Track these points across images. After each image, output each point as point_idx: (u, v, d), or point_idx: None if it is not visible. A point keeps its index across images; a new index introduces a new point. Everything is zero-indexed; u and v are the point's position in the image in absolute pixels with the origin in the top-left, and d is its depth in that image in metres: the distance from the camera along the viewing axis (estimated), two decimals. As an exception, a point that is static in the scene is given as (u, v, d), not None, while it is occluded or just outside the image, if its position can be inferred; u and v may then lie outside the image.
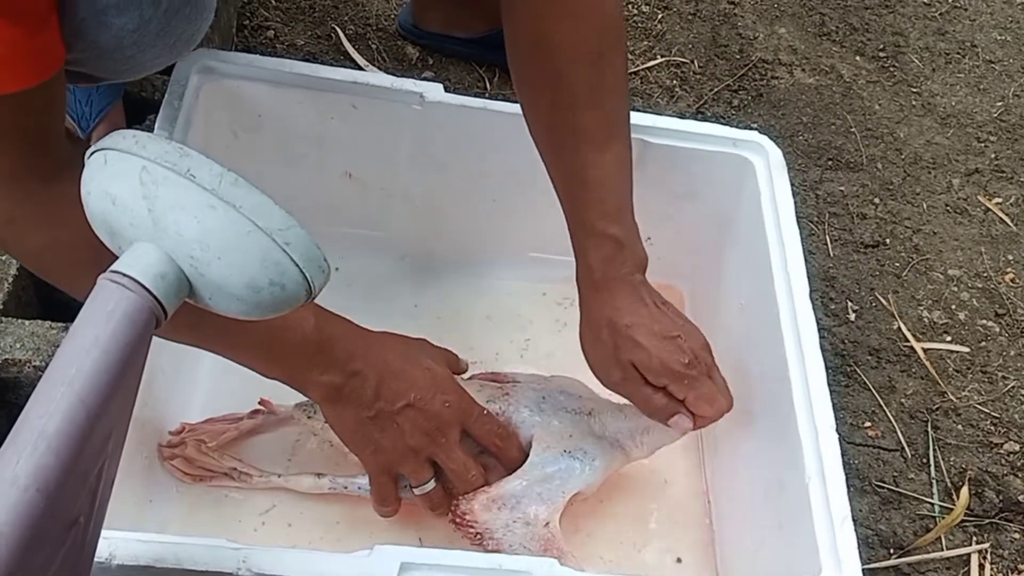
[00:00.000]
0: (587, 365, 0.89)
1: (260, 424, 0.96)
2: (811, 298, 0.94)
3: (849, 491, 0.82)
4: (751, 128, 1.37)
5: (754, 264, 0.99)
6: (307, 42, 1.36)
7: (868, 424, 1.15)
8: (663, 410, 0.87)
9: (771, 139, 1.05)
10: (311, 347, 0.79)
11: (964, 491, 1.09)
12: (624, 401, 0.91)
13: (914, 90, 1.51)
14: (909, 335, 1.23)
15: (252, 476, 0.92)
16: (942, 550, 1.06)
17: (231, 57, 0.98)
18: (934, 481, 1.11)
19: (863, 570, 0.77)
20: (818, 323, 0.93)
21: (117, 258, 0.52)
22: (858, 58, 1.54)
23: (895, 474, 1.11)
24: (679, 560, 0.98)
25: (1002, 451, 1.15)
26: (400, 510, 0.89)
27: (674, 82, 1.45)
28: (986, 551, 1.07)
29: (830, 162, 1.40)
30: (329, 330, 0.80)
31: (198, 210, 0.50)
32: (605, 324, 0.86)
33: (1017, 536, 1.09)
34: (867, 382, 1.18)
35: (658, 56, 1.47)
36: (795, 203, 1.01)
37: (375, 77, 1.01)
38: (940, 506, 1.09)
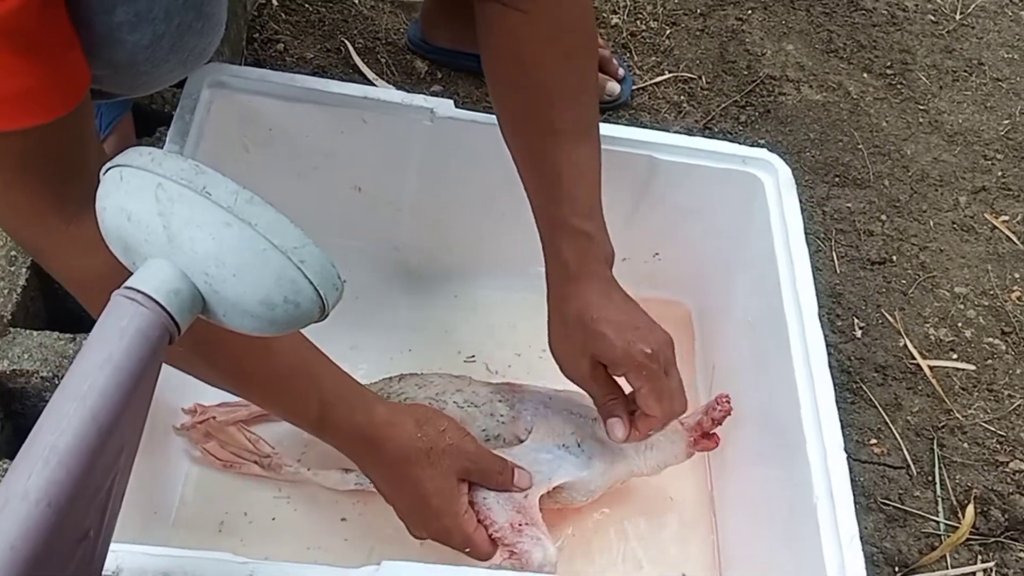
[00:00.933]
0: (555, 361, 0.90)
1: None
2: (818, 315, 0.94)
3: (855, 509, 0.82)
4: (759, 144, 1.37)
5: (762, 282, 0.99)
6: (316, 55, 1.36)
7: (874, 441, 1.15)
8: (609, 408, 0.88)
9: (778, 155, 1.05)
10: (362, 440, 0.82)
11: (970, 509, 1.09)
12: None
13: (921, 107, 1.51)
14: (915, 352, 1.23)
15: (283, 466, 0.93)
16: (947, 569, 1.06)
17: (242, 71, 0.99)
18: (940, 499, 1.11)
19: (870, 590, 0.77)
20: (824, 340, 0.93)
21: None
22: (865, 75, 1.54)
23: (901, 492, 1.11)
24: (685, 577, 0.98)
25: (1008, 469, 1.15)
26: None
27: (682, 98, 1.45)
28: (991, 570, 1.07)
29: (837, 179, 1.40)
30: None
31: (214, 227, 0.50)
32: (574, 319, 0.86)
33: (1023, 555, 1.09)
34: (873, 399, 1.18)
35: (666, 72, 1.47)
36: (802, 219, 1.01)
37: (386, 92, 1.01)
38: (946, 524, 1.09)
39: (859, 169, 1.41)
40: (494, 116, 1.03)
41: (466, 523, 0.84)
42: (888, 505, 1.10)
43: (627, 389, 0.87)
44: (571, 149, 0.86)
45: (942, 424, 1.17)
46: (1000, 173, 1.45)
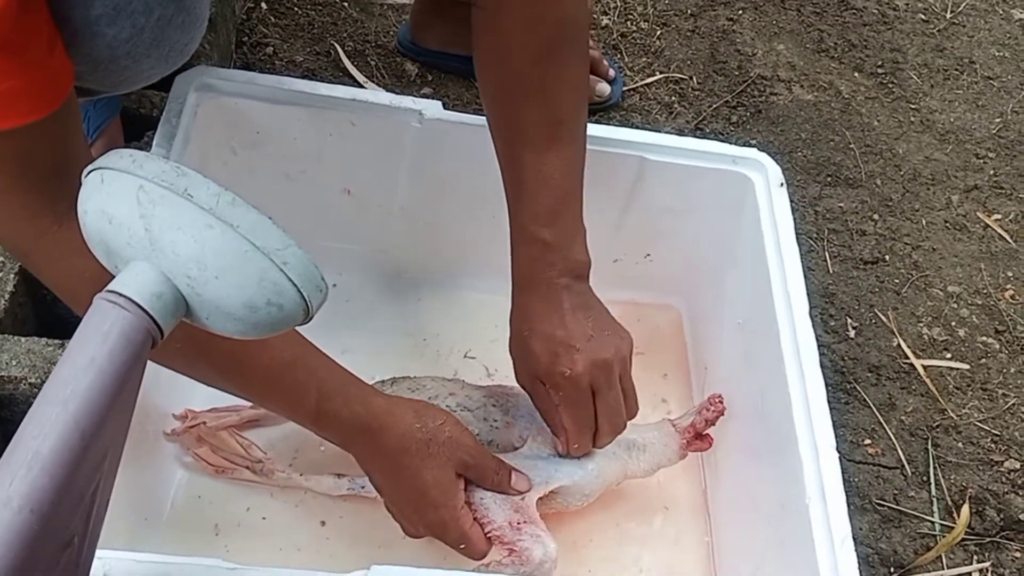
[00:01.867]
0: None
1: (263, 416, 0.96)
2: (811, 315, 0.94)
3: (849, 509, 0.81)
4: (750, 144, 1.37)
5: (753, 282, 0.98)
6: (306, 59, 1.36)
7: (868, 442, 1.14)
8: (548, 422, 0.89)
9: (770, 155, 1.05)
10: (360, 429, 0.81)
11: (965, 509, 1.09)
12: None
13: (913, 106, 1.51)
14: (909, 352, 1.22)
15: (275, 472, 0.93)
16: (943, 569, 1.06)
17: (230, 74, 0.98)
18: (935, 499, 1.11)
19: (864, 590, 0.77)
20: (817, 340, 0.92)
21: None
22: (857, 74, 1.54)
23: (895, 492, 1.11)
24: (679, 579, 0.98)
25: (1003, 469, 1.14)
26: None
27: (673, 98, 1.45)
28: (987, 570, 1.07)
29: (829, 178, 1.40)
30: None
31: (195, 230, 0.49)
32: (515, 331, 0.86)
33: (1018, 555, 1.09)
34: (867, 399, 1.17)
35: (657, 72, 1.47)
36: (794, 219, 1.01)
37: (374, 95, 1.01)
38: (941, 524, 1.09)
39: (851, 168, 1.41)
40: (482, 117, 1.03)
41: (463, 518, 0.83)
42: (883, 505, 1.09)
43: None
44: (539, 153, 0.84)
45: (936, 424, 1.17)
46: (992, 172, 1.45)
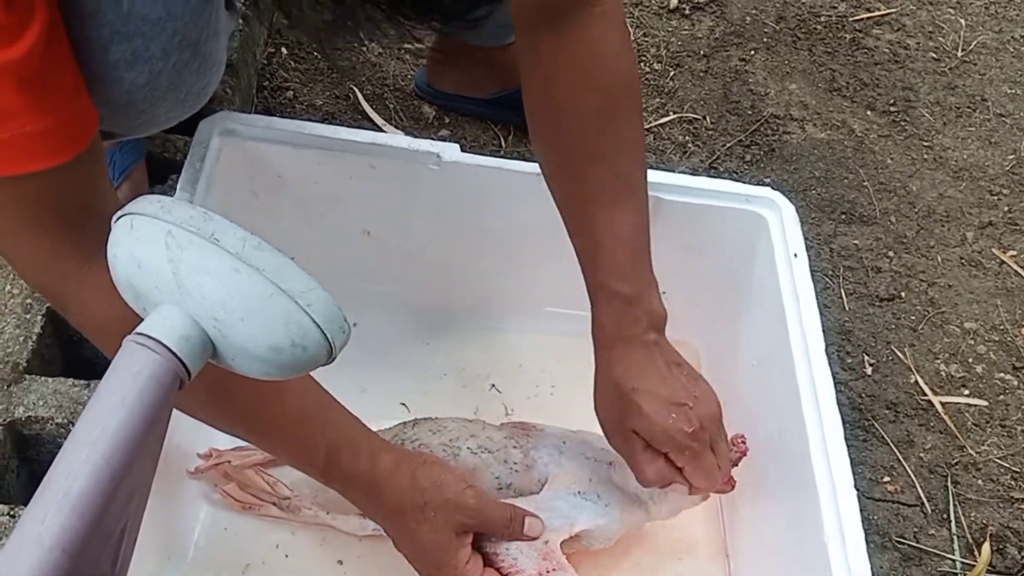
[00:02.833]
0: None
1: None
2: (827, 352, 0.94)
3: (869, 547, 0.81)
4: (764, 183, 1.38)
5: (769, 319, 0.99)
6: (326, 102, 1.39)
7: (887, 479, 1.14)
8: (655, 480, 0.86)
9: (784, 193, 1.06)
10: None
11: (986, 547, 1.08)
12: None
13: (926, 144, 1.52)
14: (927, 389, 1.22)
15: (301, 509, 0.93)
16: (965, 607, 1.05)
17: (251, 119, 1.00)
18: (955, 537, 1.10)
19: (884, 629, 0.77)
20: (835, 377, 0.93)
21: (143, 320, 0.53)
22: (869, 113, 1.55)
23: (915, 530, 1.10)
24: (698, 618, 0.97)
25: (1023, 506, 1.14)
26: None
27: (687, 138, 1.47)
28: (1010, 608, 1.06)
29: (844, 216, 1.40)
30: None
31: (222, 273, 0.51)
32: (612, 386, 0.85)
33: (1041, 593, 1.08)
34: (885, 436, 1.17)
35: (670, 113, 1.49)
36: (809, 257, 1.02)
37: (393, 138, 1.03)
38: (962, 563, 1.08)
39: (865, 206, 1.42)
40: (500, 160, 1.05)
41: (468, 574, 0.83)
42: (903, 543, 1.09)
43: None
44: (609, 211, 0.84)
45: (955, 461, 1.17)
46: (1007, 208, 1.45)
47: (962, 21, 1.72)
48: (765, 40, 1.62)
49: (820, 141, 1.49)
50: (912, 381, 1.23)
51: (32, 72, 0.59)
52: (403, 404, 1.06)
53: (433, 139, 1.04)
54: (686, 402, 0.83)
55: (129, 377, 0.51)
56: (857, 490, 0.85)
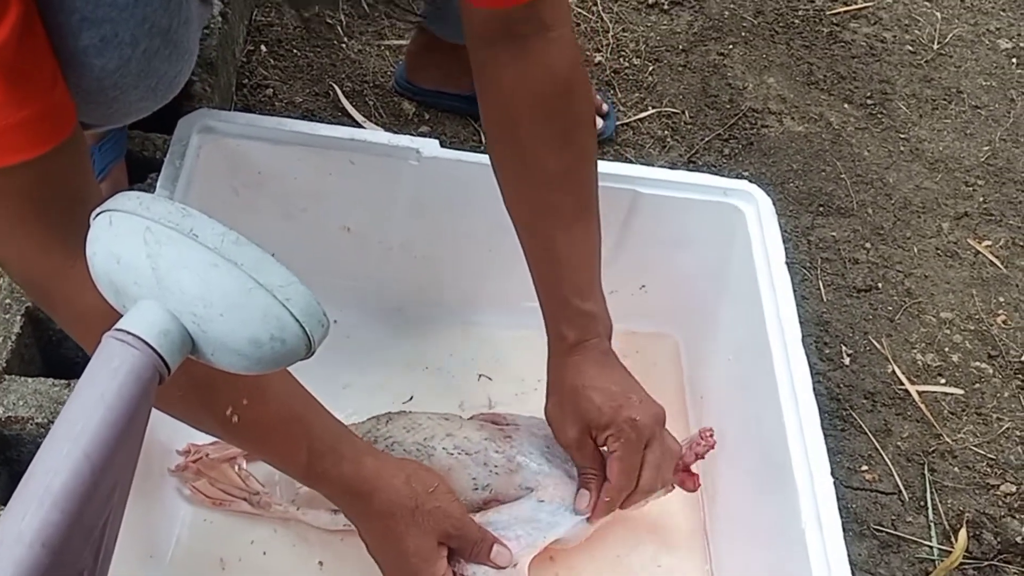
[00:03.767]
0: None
1: None
2: (805, 343, 0.95)
3: (848, 535, 0.83)
4: (742, 176, 1.39)
5: (747, 311, 1.00)
6: (305, 99, 1.39)
7: (865, 468, 1.15)
8: (585, 480, 0.90)
9: (762, 186, 1.07)
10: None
11: (962, 533, 1.10)
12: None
13: (902, 136, 1.54)
14: (903, 378, 1.24)
15: (272, 504, 0.93)
16: (943, 593, 1.06)
17: (231, 116, 1.00)
18: (932, 524, 1.12)
19: (862, 614, 0.78)
20: (813, 367, 0.94)
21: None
22: (846, 106, 1.56)
23: (893, 517, 1.12)
24: (680, 607, 0.98)
25: (999, 492, 1.15)
26: None
27: (666, 132, 1.47)
28: (987, 594, 1.08)
29: (821, 208, 1.42)
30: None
31: (201, 268, 0.51)
32: (568, 386, 0.89)
33: (1017, 578, 1.09)
34: (863, 426, 1.19)
35: (649, 107, 1.50)
36: (787, 249, 1.03)
37: (372, 134, 1.03)
38: (939, 549, 1.10)
39: (842, 198, 1.43)
40: (479, 155, 1.05)
41: None
42: (881, 531, 1.10)
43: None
44: (568, 232, 0.88)
45: (932, 449, 1.18)
46: (982, 199, 1.47)
47: (938, 14, 1.74)
48: (743, 34, 1.63)
49: (798, 134, 1.51)
50: (889, 371, 1.24)
51: (9, 63, 0.58)
52: (384, 399, 1.06)
53: (413, 135, 1.04)
54: (634, 398, 0.88)
55: (109, 373, 0.51)
56: (835, 479, 0.86)
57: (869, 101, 1.57)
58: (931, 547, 1.10)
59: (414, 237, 1.10)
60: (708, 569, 1.01)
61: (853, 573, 0.81)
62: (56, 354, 1.01)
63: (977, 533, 1.11)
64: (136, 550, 0.88)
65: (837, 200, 1.43)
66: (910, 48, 1.67)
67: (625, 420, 0.87)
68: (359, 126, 1.34)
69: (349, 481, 0.82)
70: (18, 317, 0.95)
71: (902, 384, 1.23)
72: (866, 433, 1.18)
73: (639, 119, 1.48)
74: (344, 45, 1.47)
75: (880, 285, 1.34)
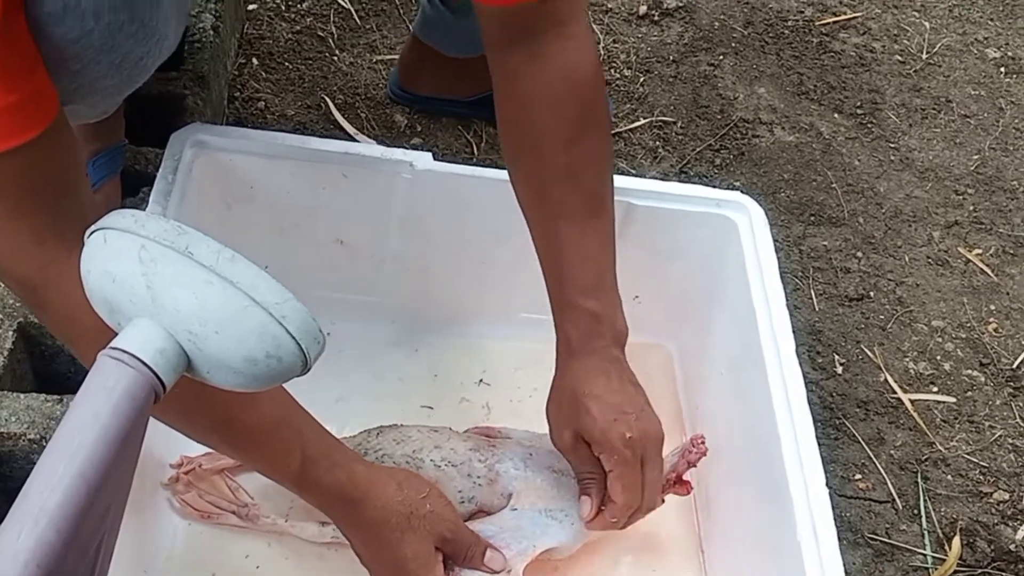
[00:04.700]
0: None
1: None
2: (798, 352, 0.96)
3: (842, 544, 0.83)
4: (734, 186, 1.40)
5: (740, 321, 1.00)
6: (297, 112, 1.39)
7: (858, 476, 1.16)
8: (585, 486, 0.89)
9: (754, 197, 1.07)
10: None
11: (956, 541, 1.10)
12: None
13: (892, 145, 1.55)
14: (896, 387, 1.24)
15: (260, 517, 0.93)
16: (937, 602, 1.07)
17: (223, 131, 1.01)
18: (926, 532, 1.12)
19: (857, 624, 0.78)
20: (805, 377, 0.94)
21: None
22: (836, 115, 1.57)
23: (887, 526, 1.12)
24: (675, 619, 0.98)
25: (992, 500, 1.16)
26: None
27: (657, 143, 1.48)
28: (981, 602, 1.08)
29: (812, 217, 1.42)
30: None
31: (196, 286, 0.51)
32: (568, 390, 0.88)
33: (1011, 586, 1.10)
34: (856, 434, 1.19)
35: (641, 118, 1.50)
36: (779, 259, 1.03)
37: (365, 147, 1.04)
38: (933, 557, 1.10)
39: (834, 208, 1.44)
40: (473, 167, 1.05)
41: None
42: (875, 540, 1.11)
43: None
44: (578, 229, 0.87)
45: (925, 457, 1.19)
46: (972, 207, 1.48)
47: (926, 24, 1.75)
48: (733, 45, 1.64)
49: (788, 144, 1.51)
50: (882, 379, 1.25)
51: None
52: (378, 411, 1.06)
53: (405, 147, 1.04)
54: (631, 412, 0.86)
55: (104, 392, 0.51)
56: (829, 488, 0.87)
57: (859, 111, 1.58)
58: (925, 555, 1.10)
59: (407, 250, 1.10)
60: (703, 580, 1.01)
61: (848, 583, 0.82)
62: (48, 369, 1.00)
63: (971, 541, 1.12)
64: (130, 564, 0.88)
65: (828, 209, 1.43)
66: (899, 58, 1.68)
67: (618, 436, 0.85)
68: (351, 138, 1.34)
69: (342, 488, 0.82)
70: (10, 332, 0.95)
71: (895, 393, 1.24)
72: (859, 442, 1.18)
73: (630, 129, 1.48)
74: (336, 58, 1.47)
75: (872, 294, 1.34)
